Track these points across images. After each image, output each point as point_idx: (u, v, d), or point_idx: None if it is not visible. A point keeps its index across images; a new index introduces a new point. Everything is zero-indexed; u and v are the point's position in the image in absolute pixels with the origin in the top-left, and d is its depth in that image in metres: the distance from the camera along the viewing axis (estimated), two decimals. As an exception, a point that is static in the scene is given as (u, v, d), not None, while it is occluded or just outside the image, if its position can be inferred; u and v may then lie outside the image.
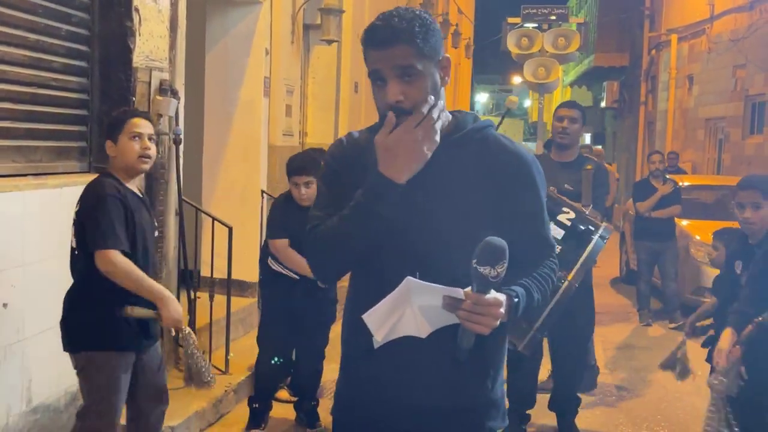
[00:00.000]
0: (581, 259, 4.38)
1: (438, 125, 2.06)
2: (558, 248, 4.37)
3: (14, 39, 4.09)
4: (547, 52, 12.64)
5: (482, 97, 56.14)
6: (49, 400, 4.14)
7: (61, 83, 4.52)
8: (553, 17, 14.02)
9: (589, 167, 5.02)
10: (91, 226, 3.35)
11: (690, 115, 16.77)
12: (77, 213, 3.44)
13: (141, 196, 3.64)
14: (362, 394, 2.22)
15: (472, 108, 29.32)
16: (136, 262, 3.42)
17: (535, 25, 13.99)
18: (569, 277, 4.30)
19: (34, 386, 4.00)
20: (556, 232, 4.43)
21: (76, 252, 3.45)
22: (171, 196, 5.30)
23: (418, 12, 2.10)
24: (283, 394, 5.62)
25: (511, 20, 14.22)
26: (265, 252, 5.01)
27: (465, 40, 19.87)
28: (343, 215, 2.12)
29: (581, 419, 5.46)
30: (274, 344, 5.02)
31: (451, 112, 2.21)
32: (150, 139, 3.55)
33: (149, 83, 4.92)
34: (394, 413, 2.17)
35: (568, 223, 4.52)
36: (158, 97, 4.95)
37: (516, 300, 2.08)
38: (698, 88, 16.28)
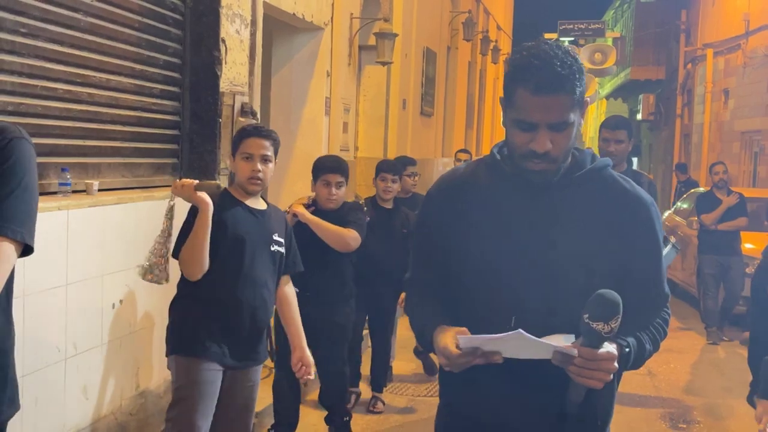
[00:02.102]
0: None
1: None
2: None
3: (124, 69, 4.68)
4: (584, 67, 13.04)
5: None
6: (152, 386, 4.69)
7: (159, 107, 5.09)
8: (590, 32, 14.35)
9: (644, 181, 5.13)
10: None
11: (726, 128, 17.07)
12: None
13: (264, 208, 3.65)
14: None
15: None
16: (227, 273, 3.45)
17: (572, 39, 14.41)
18: None
19: (141, 373, 4.56)
20: None
21: None
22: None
23: (572, 53, 2.03)
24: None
25: (547, 36, 14.63)
26: None
27: (504, 56, 20.33)
28: (421, 320, 2.16)
29: (624, 408, 5.93)
30: (283, 361, 4.80)
31: None
32: (264, 160, 3.52)
33: (233, 106, 5.49)
34: None
35: None
36: (240, 119, 5.52)
37: (627, 350, 2.00)
38: (734, 101, 16.58)
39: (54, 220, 3.78)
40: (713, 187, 9.14)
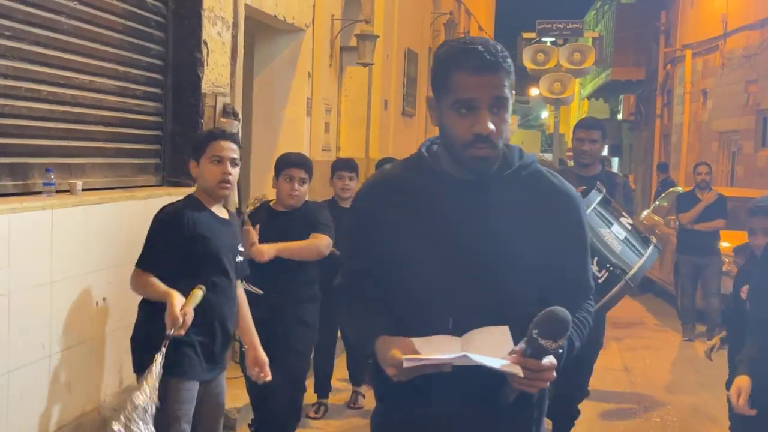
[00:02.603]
0: (641, 261, 4.46)
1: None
2: (619, 248, 4.44)
3: (107, 71, 4.75)
4: (563, 67, 13.07)
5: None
6: (135, 382, 4.76)
7: (141, 108, 5.17)
8: (568, 32, 14.38)
9: (618, 181, 5.24)
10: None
11: (704, 129, 17.27)
12: None
13: (227, 217, 3.62)
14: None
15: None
16: (207, 289, 3.37)
17: (552, 39, 14.49)
18: (626, 277, 4.36)
19: (124, 369, 4.63)
20: (618, 233, 4.53)
21: None
22: (230, 207, 5.95)
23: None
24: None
25: (526, 35, 14.63)
26: None
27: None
28: (358, 327, 2.18)
29: (600, 403, 6.06)
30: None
31: None
32: (234, 163, 3.50)
33: (214, 107, 5.57)
34: None
35: (629, 227, 4.62)
36: (222, 119, 5.60)
37: (561, 351, 2.01)
38: (712, 102, 16.79)
39: (38, 219, 3.85)
40: (695, 187, 9.11)
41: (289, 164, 4.53)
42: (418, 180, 2.12)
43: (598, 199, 4.56)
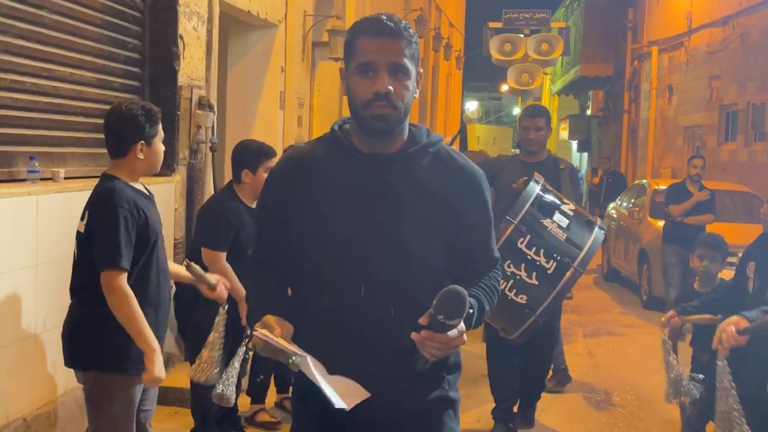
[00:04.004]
0: (587, 246, 4.52)
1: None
2: (563, 236, 4.51)
3: (87, 64, 4.93)
4: (530, 57, 13.13)
5: (472, 105, 57.03)
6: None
7: (120, 100, 5.33)
8: (534, 22, 14.39)
9: (563, 167, 5.28)
10: (105, 242, 3.14)
11: (670, 123, 17.62)
12: (90, 226, 3.24)
13: (149, 193, 3.41)
14: (318, 407, 2.13)
15: (462, 116, 30.32)
16: (151, 268, 3.25)
17: (521, 35, 14.68)
18: (574, 264, 4.44)
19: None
20: (561, 221, 4.57)
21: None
22: (206, 197, 6.13)
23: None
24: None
25: (492, 25, 14.68)
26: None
27: (456, 53, 20.74)
28: (257, 299, 2.24)
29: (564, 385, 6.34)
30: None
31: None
32: None
33: (190, 99, 5.76)
34: (352, 427, 2.18)
35: (571, 213, 4.65)
36: (198, 111, 5.80)
37: (471, 311, 2.10)
38: (677, 97, 17.12)
39: (24, 205, 4.04)
40: (687, 179, 9.14)
41: (270, 155, 4.42)
42: (329, 156, 2.21)
43: (537, 189, 4.59)
